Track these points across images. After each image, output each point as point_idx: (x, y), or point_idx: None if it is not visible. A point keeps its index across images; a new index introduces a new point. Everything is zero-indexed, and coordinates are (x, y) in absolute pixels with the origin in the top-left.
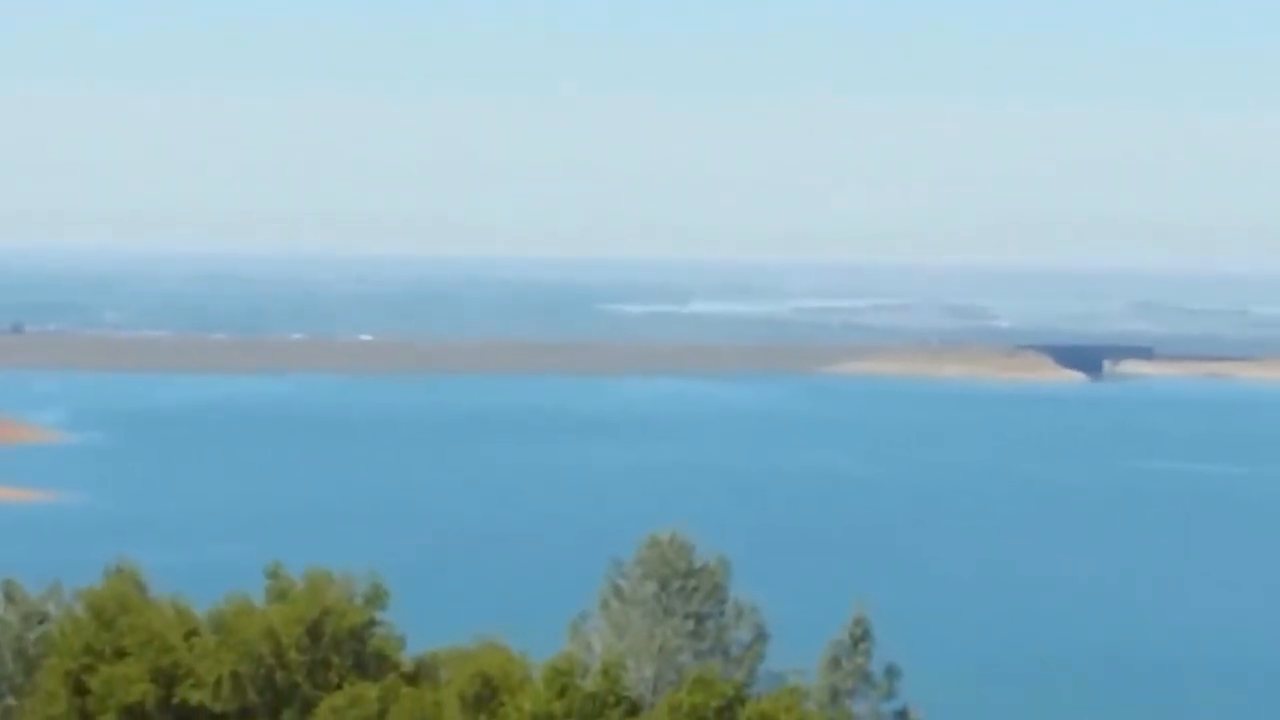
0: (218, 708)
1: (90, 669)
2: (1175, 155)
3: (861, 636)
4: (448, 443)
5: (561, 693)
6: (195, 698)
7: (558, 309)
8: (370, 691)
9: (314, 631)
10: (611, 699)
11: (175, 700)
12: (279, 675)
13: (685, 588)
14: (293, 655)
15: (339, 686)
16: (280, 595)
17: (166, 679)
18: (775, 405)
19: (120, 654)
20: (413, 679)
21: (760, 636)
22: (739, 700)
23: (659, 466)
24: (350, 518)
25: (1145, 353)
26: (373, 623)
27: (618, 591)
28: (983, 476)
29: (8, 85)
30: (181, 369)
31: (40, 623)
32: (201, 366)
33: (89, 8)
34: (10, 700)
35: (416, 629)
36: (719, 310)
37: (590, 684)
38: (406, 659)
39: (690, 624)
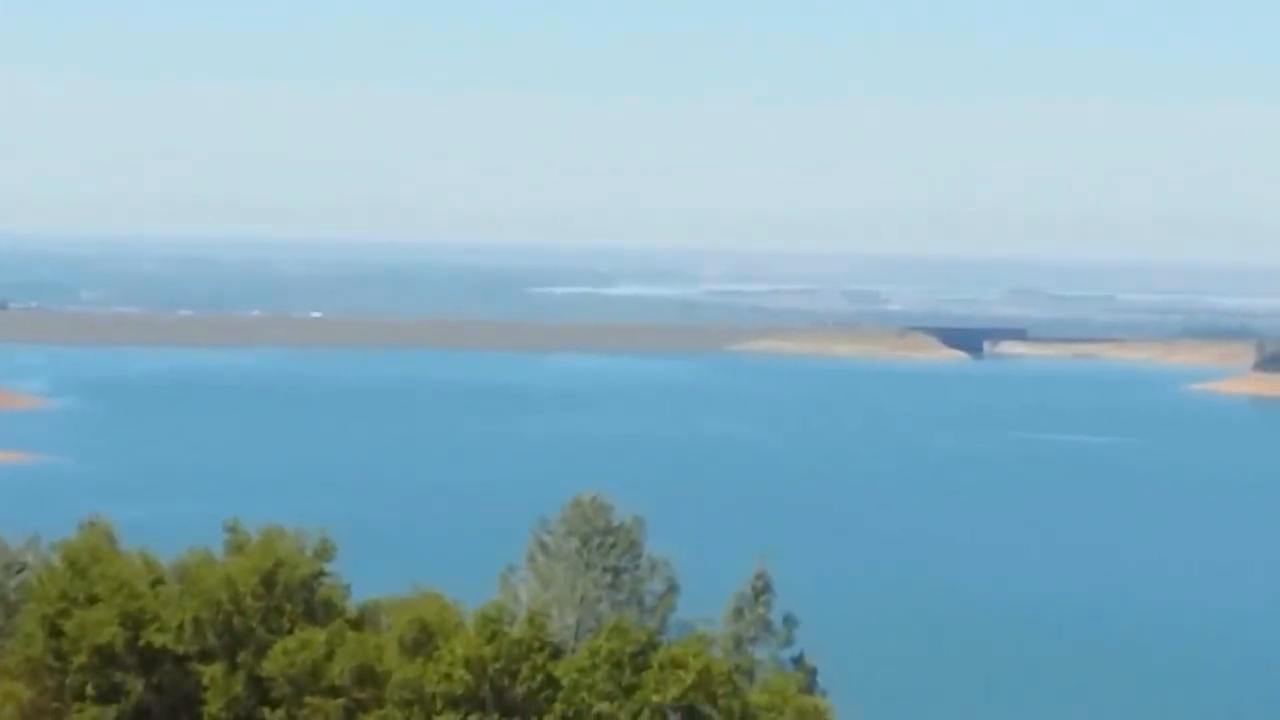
0: (180, 649)
1: (65, 613)
2: (1046, 151)
3: (763, 589)
4: (391, 411)
5: (491, 638)
6: (160, 640)
7: (492, 291)
8: (318, 636)
9: (268, 581)
10: (537, 644)
11: (142, 642)
12: (236, 620)
13: (604, 544)
14: (249, 602)
15: (290, 631)
16: (238, 548)
17: (134, 623)
18: (688, 379)
19: (92, 600)
20: (357, 624)
21: (671, 588)
22: (651, 646)
23: (582, 433)
24: (302, 478)
25: (1021, 334)
26: (321, 573)
27: (543, 547)
28: (875, 444)
29: None
30: (151, 343)
31: (19, 571)
32: (169, 340)
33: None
34: None
35: (361, 579)
36: (638, 293)
37: (517, 630)
38: (351, 606)
39: (608, 577)
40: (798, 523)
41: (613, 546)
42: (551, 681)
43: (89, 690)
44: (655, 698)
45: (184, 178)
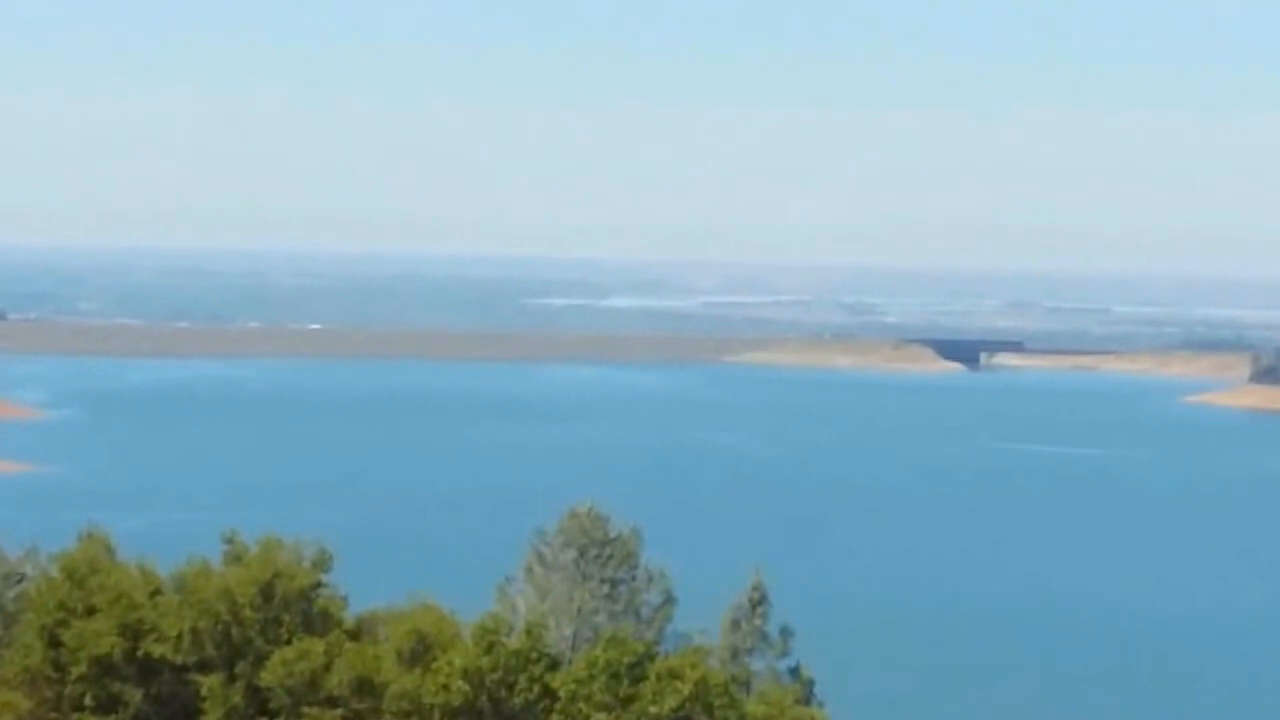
0: (179, 660)
1: (64, 624)
2: (1044, 163)
3: (759, 600)
4: (388, 422)
5: (489, 649)
6: (158, 650)
7: (488, 302)
8: (317, 646)
9: (266, 592)
10: (534, 655)
11: (140, 653)
12: (234, 631)
13: (601, 555)
14: (247, 613)
15: (288, 642)
16: (236, 559)
17: (133, 633)
18: (683, 391)
19: (91, 611)
20: (355, 635)
21: (668, 600)
22: (649, 657)
23: (578, 445)
24: (299, 489)
25: (1017, 346)
26: (319, 584)
27: (540, 558)
28: (871, 456)
29: None
30: (149, 354)
31: (19, 582)
32: (167, 352)
33: (64, 8)
34: None
35: (358, 590)
36: (633, 304)
37: (515, 642)
38: (349, 617)
39: (605, 588)
40: (794, 534)
41: (610, 558)
42: (549, 693)
43: (87, 701)
44: (652, 709)
45: (182, 190)
